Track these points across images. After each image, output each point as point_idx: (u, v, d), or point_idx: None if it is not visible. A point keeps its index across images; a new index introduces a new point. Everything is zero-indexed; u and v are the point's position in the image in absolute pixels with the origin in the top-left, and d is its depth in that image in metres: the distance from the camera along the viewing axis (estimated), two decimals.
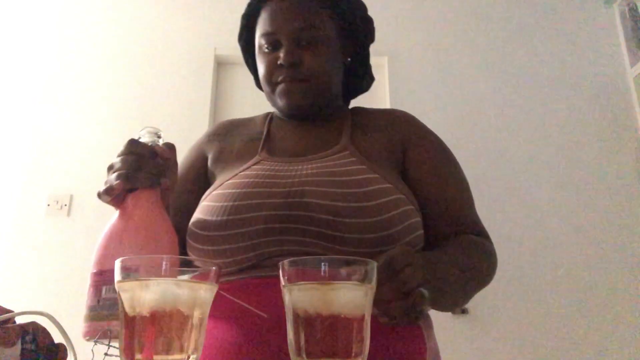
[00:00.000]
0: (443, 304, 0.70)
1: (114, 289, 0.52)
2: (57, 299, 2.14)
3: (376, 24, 0.96)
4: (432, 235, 0.81)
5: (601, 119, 2.62)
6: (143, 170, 0.62)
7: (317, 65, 0.84)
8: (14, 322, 0.51)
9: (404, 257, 0.57)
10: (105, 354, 0.52)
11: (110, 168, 0.64)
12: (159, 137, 0.67)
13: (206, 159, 0.92)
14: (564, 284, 2.29)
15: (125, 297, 0.44)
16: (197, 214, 0.78)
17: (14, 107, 2.59)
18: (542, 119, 2.61)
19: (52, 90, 2.62)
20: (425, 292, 0.56)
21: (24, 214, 2.38)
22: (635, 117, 2.63)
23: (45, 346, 0.50)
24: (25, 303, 1.92)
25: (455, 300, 0.74)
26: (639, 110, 2.62)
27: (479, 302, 2.17)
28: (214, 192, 0.79)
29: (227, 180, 0.81)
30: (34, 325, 0.49)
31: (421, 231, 0.77)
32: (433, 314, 0.76)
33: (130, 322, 0.43)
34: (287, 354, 0.46)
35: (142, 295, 0.43)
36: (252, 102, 2.52)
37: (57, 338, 0.53)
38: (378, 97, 2.58)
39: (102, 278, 0.57)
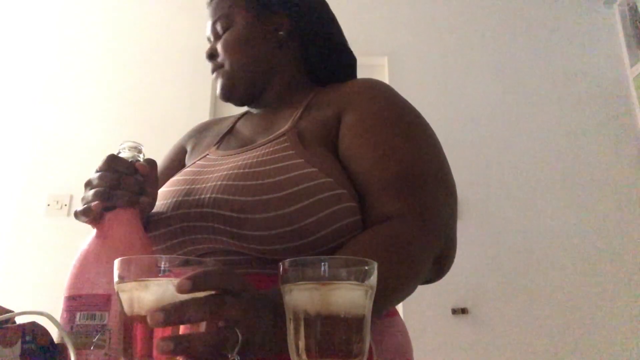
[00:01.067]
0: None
1: (89, 316, 0.50)
2: (57, 299, 2.13)
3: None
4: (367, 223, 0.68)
5: (601, 119, 2.62)
6: (122, 188, 0.60)
7: (227, 48, 0.86)
8: (14, 322, 0.51)
9: (231, 310, 0.43)
10: (106, 354, 0.52)
11: (88, 184, 0.62)
12: (140, 152, 0.64)
13: (185, 154, 0.94)
14: (564, 284, 2.29)
15: (124, 297, 0.44)
16: None
17: (14, 107, 2.59)
18: (542, 119, 2.61)
19: (52, 90, 2.62)
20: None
21: (24, 214, 2.38)
22: (635, 117, 2.63)
23: (45, 346, 0.50)
24: (25, 303, 1.92)
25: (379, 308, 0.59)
26: (639, 110, 2.62)
27: (479, 302, 2.17)
28: (160, 189, 0.77)
29: (174, 177, 0.80)
30: (34, 325, 0.49)
31: (354, 218, 0.66)
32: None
33: (130, 322, 0.43)
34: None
35: (142, 295, 0.43)
36: None
37: (57, 338, 0.53)
38: None
39: (77, 303, 0.53)
